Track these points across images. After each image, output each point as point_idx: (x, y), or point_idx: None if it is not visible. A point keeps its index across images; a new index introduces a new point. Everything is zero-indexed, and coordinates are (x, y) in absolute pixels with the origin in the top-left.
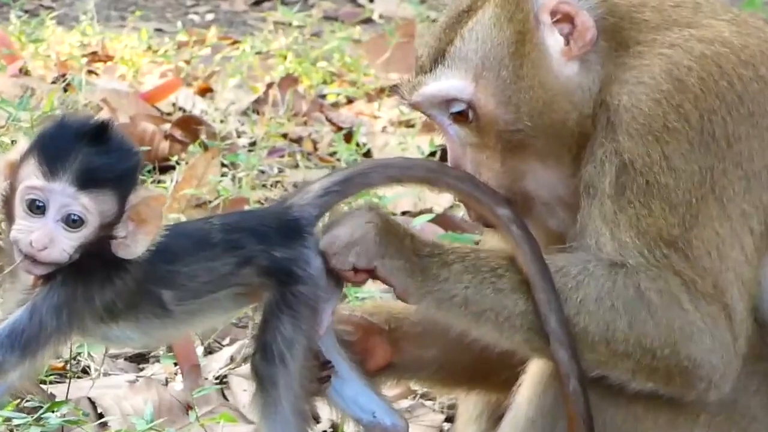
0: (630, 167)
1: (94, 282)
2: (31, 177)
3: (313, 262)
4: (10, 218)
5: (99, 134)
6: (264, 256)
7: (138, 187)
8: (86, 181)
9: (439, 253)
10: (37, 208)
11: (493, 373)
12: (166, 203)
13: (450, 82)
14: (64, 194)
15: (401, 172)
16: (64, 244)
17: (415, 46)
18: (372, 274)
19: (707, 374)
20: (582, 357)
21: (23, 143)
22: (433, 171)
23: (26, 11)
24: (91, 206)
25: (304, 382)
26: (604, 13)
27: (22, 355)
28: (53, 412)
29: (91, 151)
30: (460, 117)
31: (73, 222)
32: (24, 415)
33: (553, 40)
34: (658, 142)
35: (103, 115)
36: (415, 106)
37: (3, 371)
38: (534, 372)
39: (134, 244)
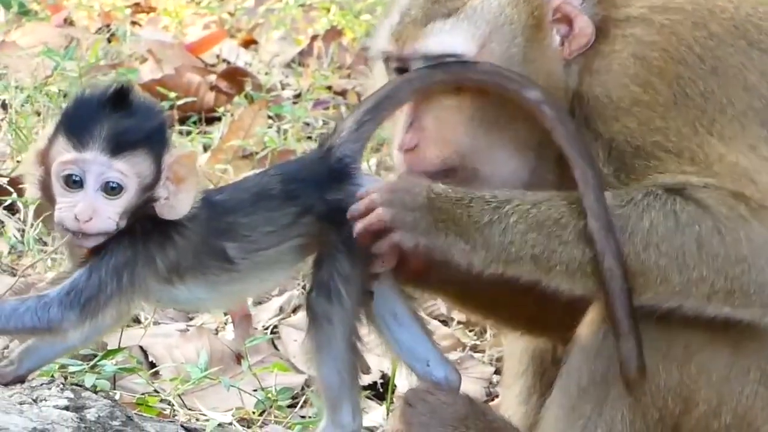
0: (614, 143)
1: (152, 243)
2: (62, 153)
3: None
4: (51, 202)
5: (120, 99)
6: (320, 203)
7: (171, 147)
8: (117, 147)
9: (498, 218)
10: (74, 182)
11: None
12: (197, 158)
13: (455, 39)
14: (98, 163)
15: (426, 80)
16: (108, 213)
17: None
18: None
19: None
20: (656, 290)
21: (49, 129)
22: (456, 71)
23: None
24: (127, 170)
25: (357, 320)
26: (598, 7)
27: (81, 315)
28: (108, 359)
29: (115, 117)
30: None
31: (111, 189)
32: (79, 362)
33: (551, 38)
34: (632, 115)
35: (148, 65)
36: (402, 58)
37: (62, 330)
38: (584, 336)
39: (177, 203)
